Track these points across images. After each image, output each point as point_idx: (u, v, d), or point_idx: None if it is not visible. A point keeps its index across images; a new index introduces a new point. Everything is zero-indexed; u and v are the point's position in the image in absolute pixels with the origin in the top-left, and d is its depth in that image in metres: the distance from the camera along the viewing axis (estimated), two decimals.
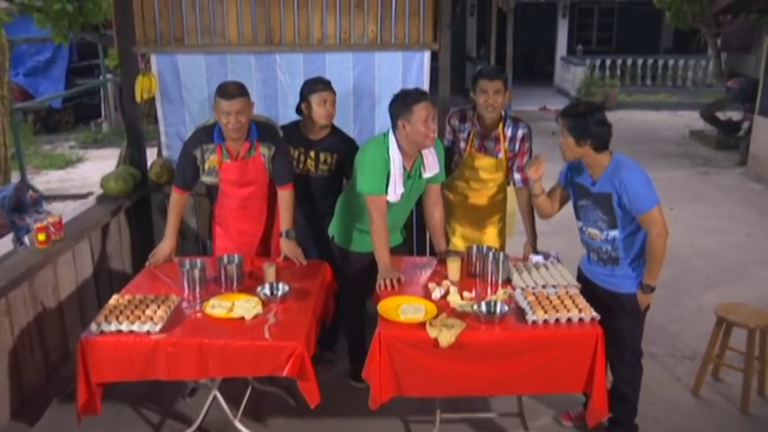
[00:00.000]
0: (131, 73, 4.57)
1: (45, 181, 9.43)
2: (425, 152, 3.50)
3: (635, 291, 3.21)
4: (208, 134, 3.68)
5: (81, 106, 13.21)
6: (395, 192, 3.42)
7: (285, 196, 3.76)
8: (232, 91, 3.49)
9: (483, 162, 3.88)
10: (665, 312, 4.91)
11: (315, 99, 3.82)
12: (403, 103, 3.35)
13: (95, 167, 9.64)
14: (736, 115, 11.35)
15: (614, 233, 3.19)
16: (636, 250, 3.21)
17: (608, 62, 16.55)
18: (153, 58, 4.61)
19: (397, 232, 3.85)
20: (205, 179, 3.78)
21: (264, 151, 3.68)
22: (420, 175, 3.55)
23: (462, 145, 3.93)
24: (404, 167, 3.45)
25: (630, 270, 3.23)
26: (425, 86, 4.62)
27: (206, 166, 3.71)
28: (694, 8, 11.11)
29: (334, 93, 3.87)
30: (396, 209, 3.59)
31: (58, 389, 3.63)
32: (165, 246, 3.75)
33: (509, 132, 3.83)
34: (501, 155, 3.85)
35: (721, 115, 11.45)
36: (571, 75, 16.77)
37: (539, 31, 19.81)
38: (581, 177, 3.30)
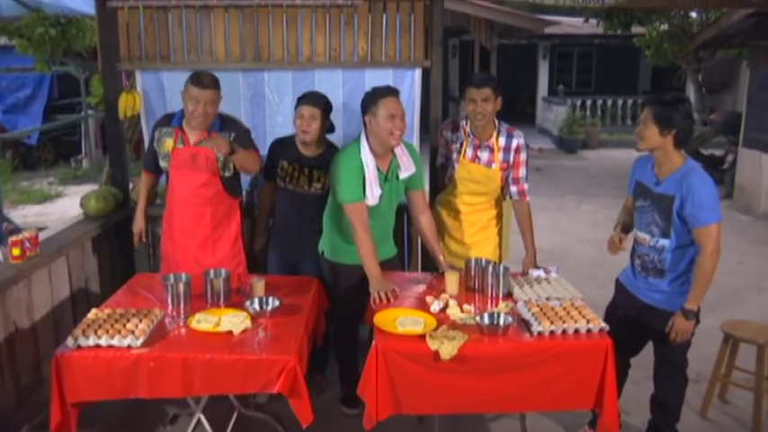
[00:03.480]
0: (114, 90, 4.45)
1: (22, 215, 9.18)
2: (398, 152, 3.45)
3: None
4: (169, 118, 3.78)
5: (61, 143, 13.00)
6: (372, 194, 3.36)
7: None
8: (206, 81, 3.53)
9: (476, 173, 3.76)
10: None
11: (296, 113, 3.76)
12: (371, 97, 3.34)
13: (74, 202, 9.37)
14: (717, 151, 11.46)
15: (664, 242, 3.04)
16: (683, 266, 3.05)
17: (588, 102, 16.74)
18: (138, 76, 4.50)
19: (387, 244, 3.71)
20: (161, 164, 3.80)
21: None
22: (397, 177, 3.48)
23: (455, 156, 3.81)
24: (378, 169, 3.39)
25: (677, 286, 3.07)
26: (417, 105, 4.55)
27: (162, 150, 3.74)
28: (674, 47, 11.30)
29: (317, 107, 3.72)
30: (377, 215, 3.48)
31: (29, 415, 3.39)
32: (137, 224, 4.00)
33: (503, 143, 3.72)
34: (495, 165, 3.73)
35: (704, 151, 11.53)
36: (553, 114, 16.92)
37: (520, 72, 20.07)
38: (644, 176, 3.16)
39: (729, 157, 10.31)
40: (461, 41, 18.75)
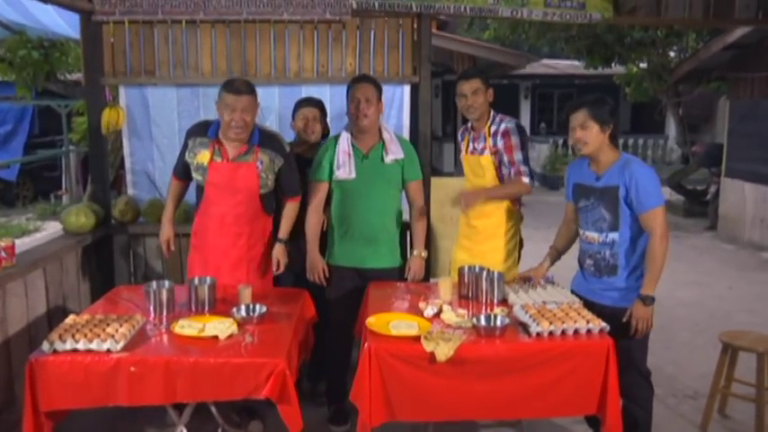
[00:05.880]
0: (97, 105, 4.37)
1: None
2: (387, 138, 3.59)
3: None
4: (205, 127, 3.49)
5: (41, 179, 12.77)
6: (343, 165, 3.51)
7: (290, 207, 3.63)
8: (240, 86, 3.30)
9: (472, 163, 3.73)
10: (659, 356, 4.66)
11: (297, 116, 3.86)
12: (349, 85, 3.60)
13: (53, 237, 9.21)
14: (698, 186, 11.56)
15: (614, 235, 3.04)
16: (636, 259, 3.04)
17: (570, 141, 16.91)
18: (121, 92, 4.44)
19: (386, 247, 3.64)
20: (194, 175, 3.52)
21: (263, 158, 3.42)
22: (382, 159, 3.56)
23: (462, 154, 3.85)
24: (353, 146, 3.55)
25: (633, 281, 3.04)
26: (406, 120, 4.52)
27: (195, 161, 3.46)
28: (654, 84, 11.46)
29: (318, 108, 3.90)
30: (357, 193, 3.55)
31: None
32: (165, 232, 3.61)
33: (493, 129, 3.65)
34: (486, 152, 3.65)
35: (686, 185, 11.62)
36: (536, 152, 17.03)
37: (502, 111, 20.26)
38: (582, 177, 3.19)
39: (712, 189, 10.37)
40: (444, 81, 18.92)
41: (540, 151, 16.58)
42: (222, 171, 3.41)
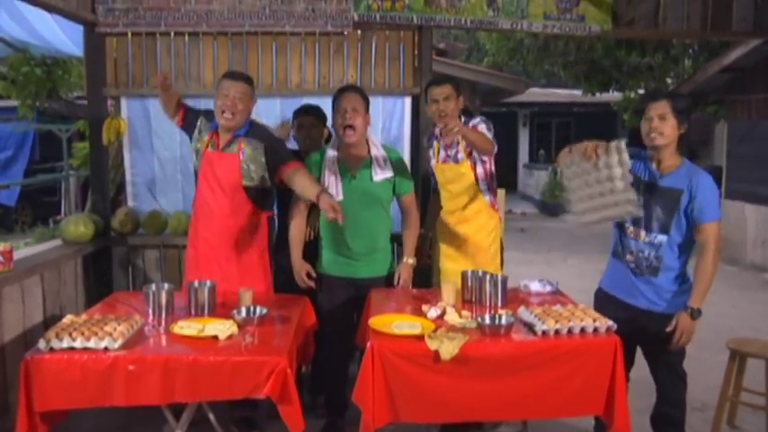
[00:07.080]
0: (99, 115, 4.38)
1: None
2: (375, 153, 3.45)
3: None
4: (212, 116, 3.47)
5: (40, 205, 12.77)
6: (328, 186, 3.34)
7: (299, 170, 3.35)
8: (237, 74, 3.41)
9: (449, 172, 3.66)
10: None
11: (296, 124, 3.89)
12: (334, 97, 3.46)
13: None
14: None
15: (662, 238, 2.98)
16: (681, 266, 3.01)
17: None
18: (123, 103, 4.45)
19: (376, 257, 3.55)
20: (194, 161, 3.53)
21: (246, 149, 3.38)
22: (371, 178, 3.41)
23: (432, 162, 3.76)
24: (341, 164, 3.41)
25: (675, 285, 3.01)
26: (407, 132, 4.53)
27: (197, 144, 3.48)
28: None
29: (314, 116, 3.89)
30: (345, 215, 3.23)
31: None
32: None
33: None
34: (462, 156, 3.61)
35: None
36: (534, 180, 17.10)
37: (500, 140, 20.36)
38: (644, 170, 3.08)
39: None
40: None
41: (539, 178, 16.63)
42: (210, 159, 3.42)
